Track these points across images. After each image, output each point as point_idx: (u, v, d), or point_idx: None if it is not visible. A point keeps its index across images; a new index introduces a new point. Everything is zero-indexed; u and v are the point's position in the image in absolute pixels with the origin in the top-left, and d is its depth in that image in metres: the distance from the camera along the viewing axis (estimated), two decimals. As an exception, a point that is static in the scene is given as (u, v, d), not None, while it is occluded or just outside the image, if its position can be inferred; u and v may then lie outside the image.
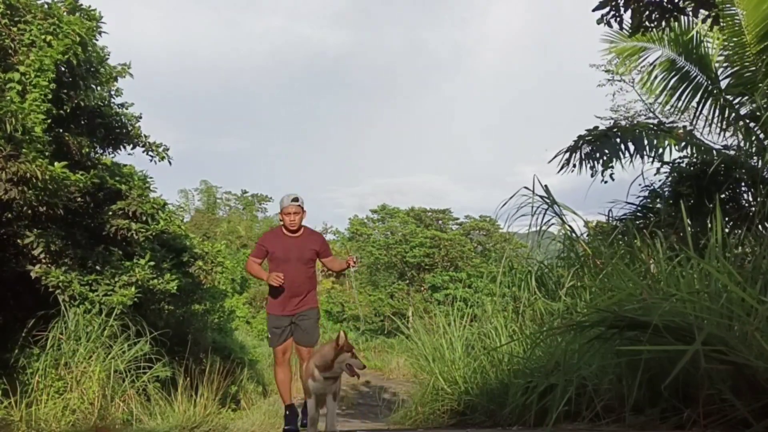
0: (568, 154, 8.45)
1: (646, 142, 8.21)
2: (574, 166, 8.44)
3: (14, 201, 6.31)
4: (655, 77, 9.33)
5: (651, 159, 8.22)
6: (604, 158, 8.31)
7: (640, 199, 8.17)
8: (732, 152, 7.93)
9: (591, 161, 8.41)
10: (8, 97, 6.20)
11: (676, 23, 7.67)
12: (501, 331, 6.31)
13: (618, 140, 8.31)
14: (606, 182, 8.39)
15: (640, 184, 8.23)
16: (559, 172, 8.51)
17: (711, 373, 2.82)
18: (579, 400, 3.62)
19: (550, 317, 5.53)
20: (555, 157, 8.55)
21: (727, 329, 2.82)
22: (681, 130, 8.61)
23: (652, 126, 9.05)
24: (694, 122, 9.27)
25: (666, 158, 8.32)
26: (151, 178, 8.82)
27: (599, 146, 8.33)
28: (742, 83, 8.27)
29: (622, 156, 8.22)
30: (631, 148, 8.22)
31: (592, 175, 8.42)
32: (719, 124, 8.73)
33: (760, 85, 7.91)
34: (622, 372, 3.41)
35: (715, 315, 2.88)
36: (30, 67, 6.72)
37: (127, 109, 9.04)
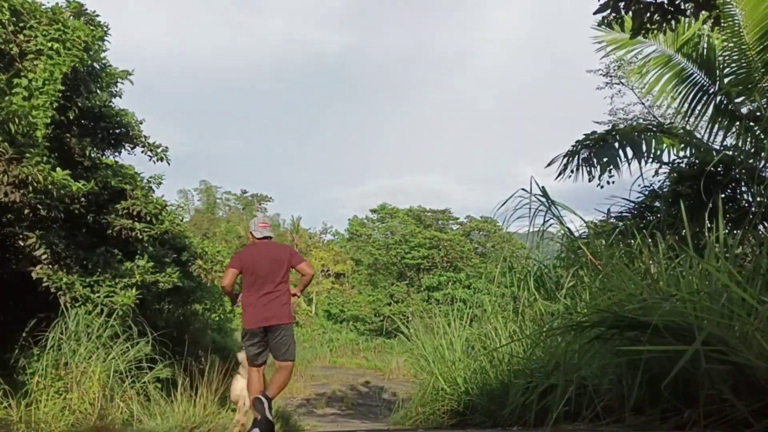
0: (565, 160, 8.48)
1: (644, 145, 8.23)
2: (572, 171, 8.48)
3: (15, 204, 6.32)
4: (649, 72, 9.28)
5: (649, 161, 8.24)
6: (602, 164, 8.34)
7: (639, 197, 8.20)
8: (731, 152, 7.93)
9: (588, 167, 8.44)
10: (13, 100, 6.22)
11: (678, 24, 7.66)
12: (501, 331, 6.32)
13: (616, 145, 8.33)
14: (602, 187, 8.43)
15: (639, 185, 8.26)
16: (557, 178, 8.55)
17: (711, 373, 2.82)
18: (579, 401, 3.62)
19: (550, 317, 5.53)
20: (551, 162, 8.58)
21: (727, 329, 2.82)
22: (681, 131, 8.62)
23: (650, 127, 9.05)
24: (691, 120, 9.26)
25: (665, 159, 8.34)
26: (163, 177, 9.02)
27: (597, 152, 8.36)
28: (742, 82, 8.26)
29: (620, 162, 8.25)
30: (629, 153, 8.25)
31: (589, 180, 8.47)
32: (719, 124, 8.72)
33: (759, 84, 7.91)
34: (622, 372, 3.41)
35: (715, 315, 2.88)
36: (39, 75, 6.75)
37: (126, 115, 9.08)
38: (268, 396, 5.21)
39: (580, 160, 8.47)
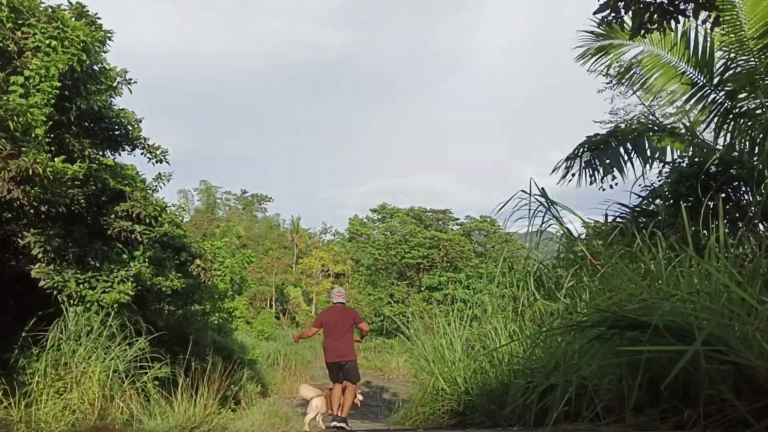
0: (568, 163, 8.46)
1: (647, 145, 8.20)
2: (573, 175, 8.48)
3: (16, 200, 6.32)
4: (643, 74, 9.19)
5: (652, 162, 8.21)
6: (605, 166, 8.32)
7: (639, 199, 8.19)
8: (731, 152, 7.90)
9: (591, 170, 8.43)
10: (11, 98, 6.22)
11: (677, 24, 7.63)
12: (501, 331, 6.32)
13: (621, 150, 8.30)
14: (604, 190, 8.41)
15: (640, 185, 8.25)
16: (559, 183, 8.54)
17: (711, 373, 2.82)
18: (579, 401, 3.62)
19: (550, 317, 5.53)
20: (555, 169, 8.57)
21: (727, 329, 2.82)
22: (682, 130, 8.60)
23: (651, 127, 9.02)
24: (690, 119, 9.23)
25: (667, 159, 8.32)
26: (171, 175, 9.04)
27: (600, 154, 8.35)
28: (742, 80, 8.22)
29: (623, 164, 8.23)
30: (632, 154, 8.23)
31: (592, 183, 8.45)
32: (717, 123, 8.68)
33: (760, 82, 7.87)
34: (622, 372, 3.41)
35: (715, 315, 2.88)
36: (35, 72, 6.73)
37: (126, 115, 9.07)
38: (344, 417, 7.88)
39: (583, 163, 8.46)
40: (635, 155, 8.29)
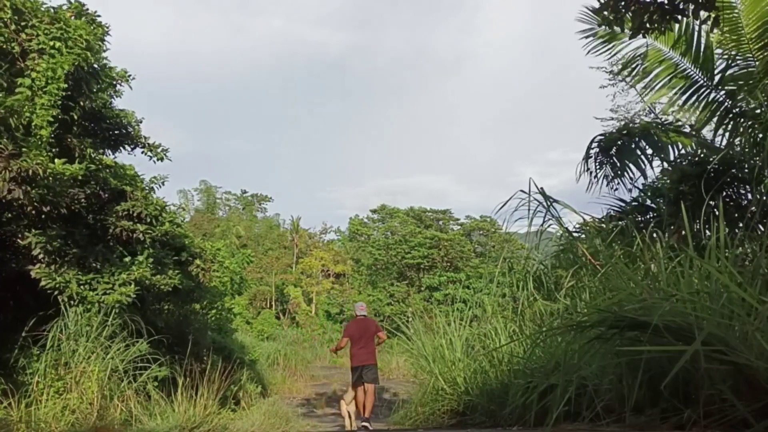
0: (591, 167, 8.43)
1: (659, 142, 8.19)
2: (597, 179, 8.46)
3: (18, 201, 6.31)
4: (639, 69, 9.14)
5: (669, 160, 8.18)
6: (622, 165, 8.30)
7: (638, 196, 8.18)
8: (732, 151, 7.89)
9: (610, 168, 8.41)
10: (9, 98, 6.22)
11: (677, 24, 7.61)
12: (501, 331, 6.32)
13: (633, 146, 8.27)
14: (630, 190, 8.38)
15: (642, 183, 8.24)
16: (588, 190, 8.49)
17: (711, 373, 2.82)
18: (579, 400, 3.62)
19: (550, 317, 5.53)
20: (579, 176, 8.52)
21: (727, 329, 2.82)
22: (686, 128, 8.59)
23: (657, 125, 9.00)
24: (690, 118, 9.22)
25: (673, 157, 8.31)
26: (167, 177, 9.02)
27: (615, 155, 8.33)
28: (742, 78, 8.20)
29: (644, 165, 8.22)
30: (648, 152, 8.22)
31: (615, 188, 8.40)
32: (716, 123, 8.67)
33: (762, 82, 7.85)
34: (622, 372, 3.41)
35: (715, 315, 2.88)
36: (42, 74, 6.74)
37: (126, 115, 9.07)
38: (367, 417, 9.06)
39: (597, 164, 8.43)
40: (651, 153, 8.26)
